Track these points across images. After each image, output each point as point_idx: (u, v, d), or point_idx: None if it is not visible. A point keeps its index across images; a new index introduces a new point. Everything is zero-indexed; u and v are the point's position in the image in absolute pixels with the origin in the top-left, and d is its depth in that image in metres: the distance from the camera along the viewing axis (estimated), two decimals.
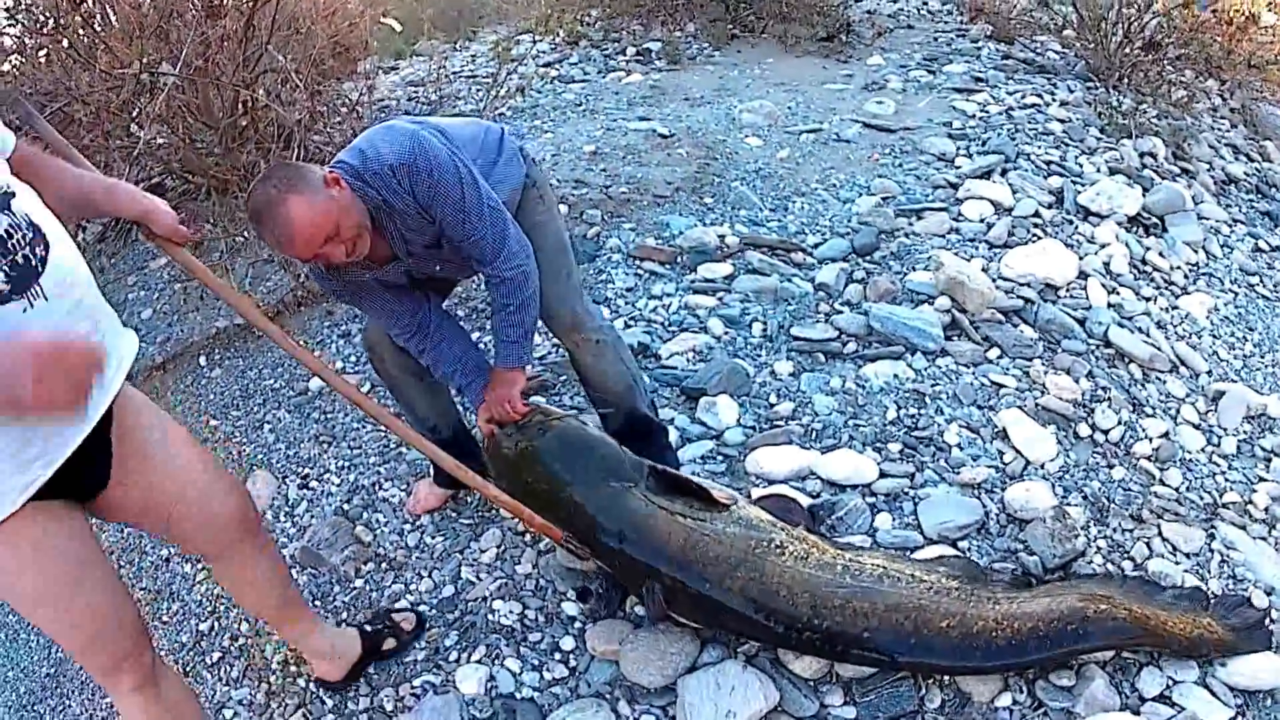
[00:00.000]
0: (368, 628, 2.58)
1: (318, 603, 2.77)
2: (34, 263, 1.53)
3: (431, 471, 2.92)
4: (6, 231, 1.50)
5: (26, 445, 1.58)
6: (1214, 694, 2.25)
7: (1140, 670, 2.28)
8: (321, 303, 4.09)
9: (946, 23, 7.81)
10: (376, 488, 3.09)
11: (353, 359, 3.74)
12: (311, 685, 2.53)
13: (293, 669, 2.60)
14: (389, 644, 2.56)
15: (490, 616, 2.56)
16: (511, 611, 2.56)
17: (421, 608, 2.65)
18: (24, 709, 2.91)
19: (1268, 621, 2.37)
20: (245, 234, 4.26)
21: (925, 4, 8.39)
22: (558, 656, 2.44)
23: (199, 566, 3.04)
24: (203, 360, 4.11)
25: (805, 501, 2.64)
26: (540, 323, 2.51)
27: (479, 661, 2.46)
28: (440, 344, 2.47)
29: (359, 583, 2.80)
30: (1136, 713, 2.19)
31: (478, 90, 6.26)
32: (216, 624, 2.87)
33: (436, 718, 2.32)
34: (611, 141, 5.12)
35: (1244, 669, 2.31)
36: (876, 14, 7.94)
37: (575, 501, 2.36)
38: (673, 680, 2.25)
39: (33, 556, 1.69)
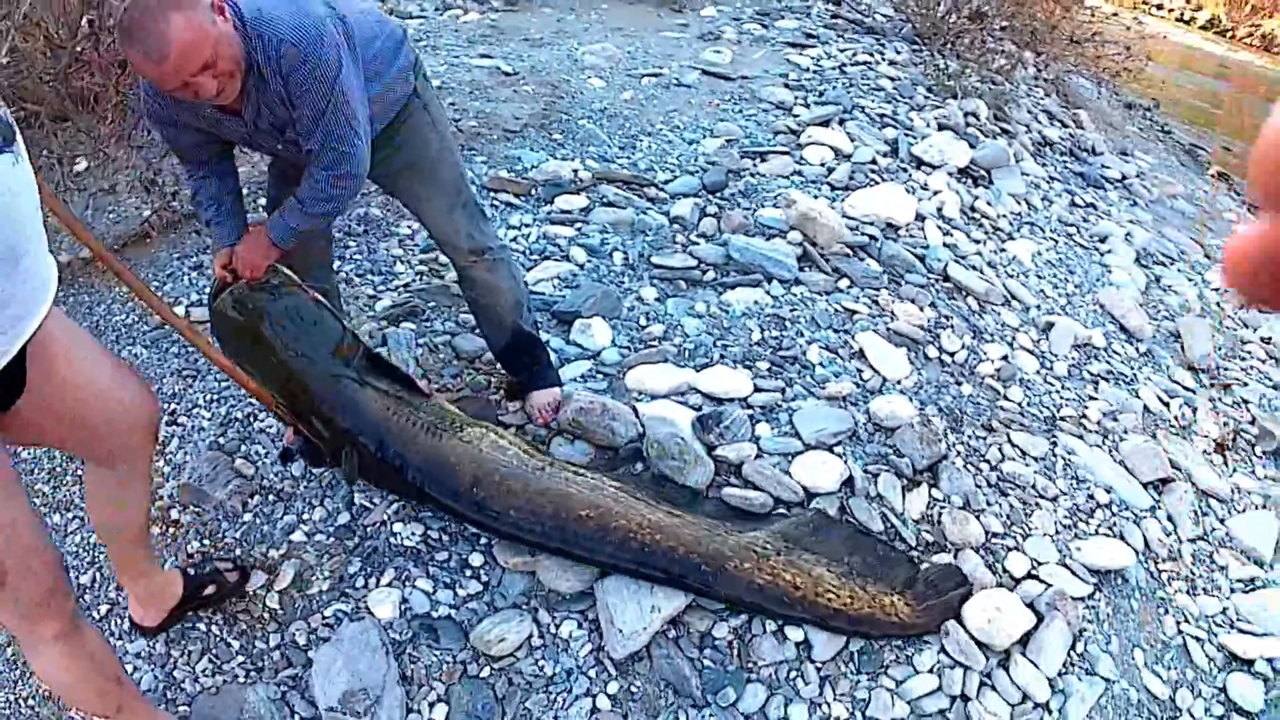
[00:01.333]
0: (190, 571, 2.60)
1: (207, 540, 2.77)
2: (10, 124, 1.56)
3: None
4: None
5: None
6: (1074, 574, 2.64)
7: (1008, 554, 2.65)
8: (170, 234, 4.05)
9: None
10: (252, 419, 3.08)
11: (207, 289, 3.75)
12: (214, 629, 2.55)
13: (188, 615, 2.58)
14: (209, 589, 2.57)
15: (392, 540, 2.65)
16: (414, 533, 2.65)
17: (318, 537, 2.69)
18: None
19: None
20: (82, 160, 4.18)
21: None
22: (468, 573, 2.56)
23: (70, 516, 2.92)
24: None
25: (690, 415, 2.89)
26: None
27: (389, 585, 2.55)
28: (213, 178, 2.48)
29: (247, 516, 2.80)
30: (1011, 589, 2.55)
31: None
32: (98, 574, 2.77)
33: (358, 644, 2.36)
34: (455, 77, 5.24)
35: (1097, 554, 2.73)
36: None
37: (292, 369, 2.51)
38: (589, 585, 2.44)
39: None
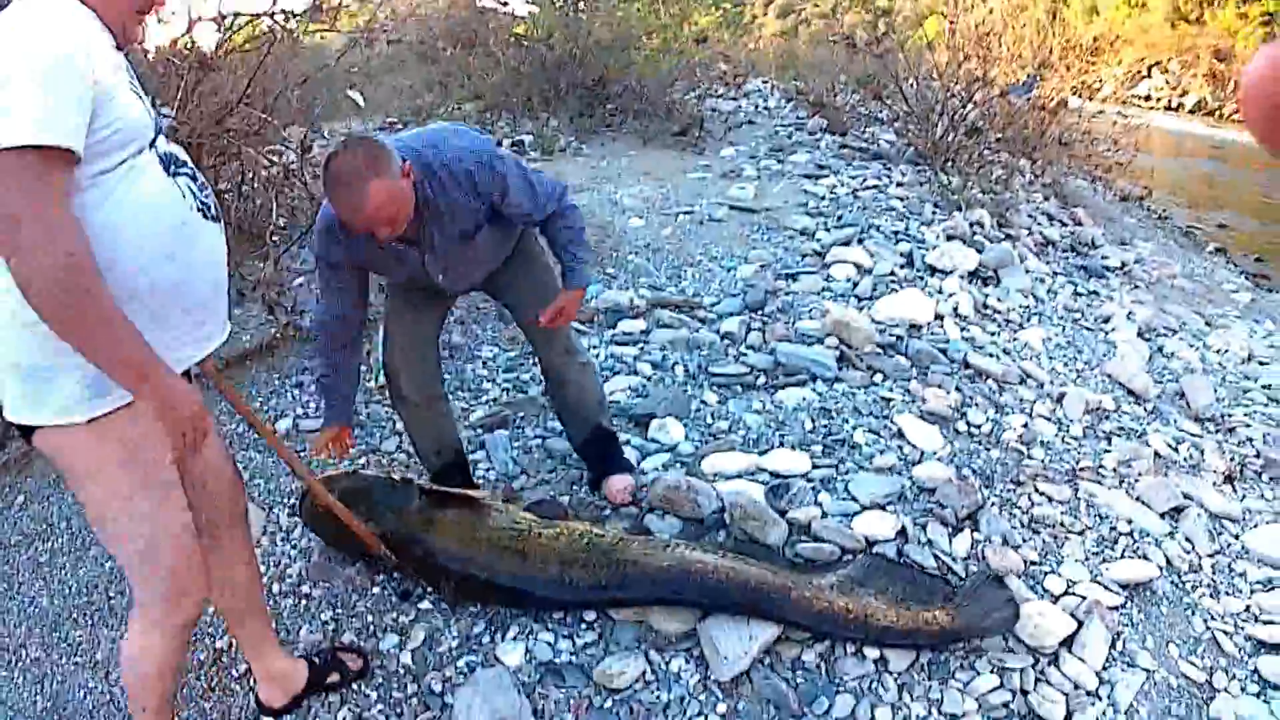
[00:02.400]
0: (315, 659, 2.90)
1: (339, 610, 3.22)
2: (218, 206, 2.20)
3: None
4: (202, 184, 2.16)
5: (199, 329, 2.10)
6: (1106, 588, 3.15)
7: (1045, 577, 3.17)
8: (273, 354, 4.67)
9: (784, 119, 9.05)
10: None
11: (311, 404, 4.35)
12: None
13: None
14: (333, 678, 2.88)
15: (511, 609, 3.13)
16: None
17: (443, 605, 3.16)
18: None
19: (1013, 602, 2.94)
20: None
21: (764, 103, 9.64)
22: (583, 626, 3.02)
23: None
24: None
25: (761, 488, 3.45)
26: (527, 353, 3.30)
27: (514, 639, 3.00)
28: (347, 353, 3.06)
29: (375, 590, 3.26)
30: (1054, 601, 3.06)
31: None
32: (232, 641, 3.13)
33: (492, 685, 2.71)
34: None
35: (1124, 571, 3.24)
36: (718, 111, 9.11)
37: (376, 525, 3.09)
38: (692, 626, 2.92)
39: (147, 447, 2.01)
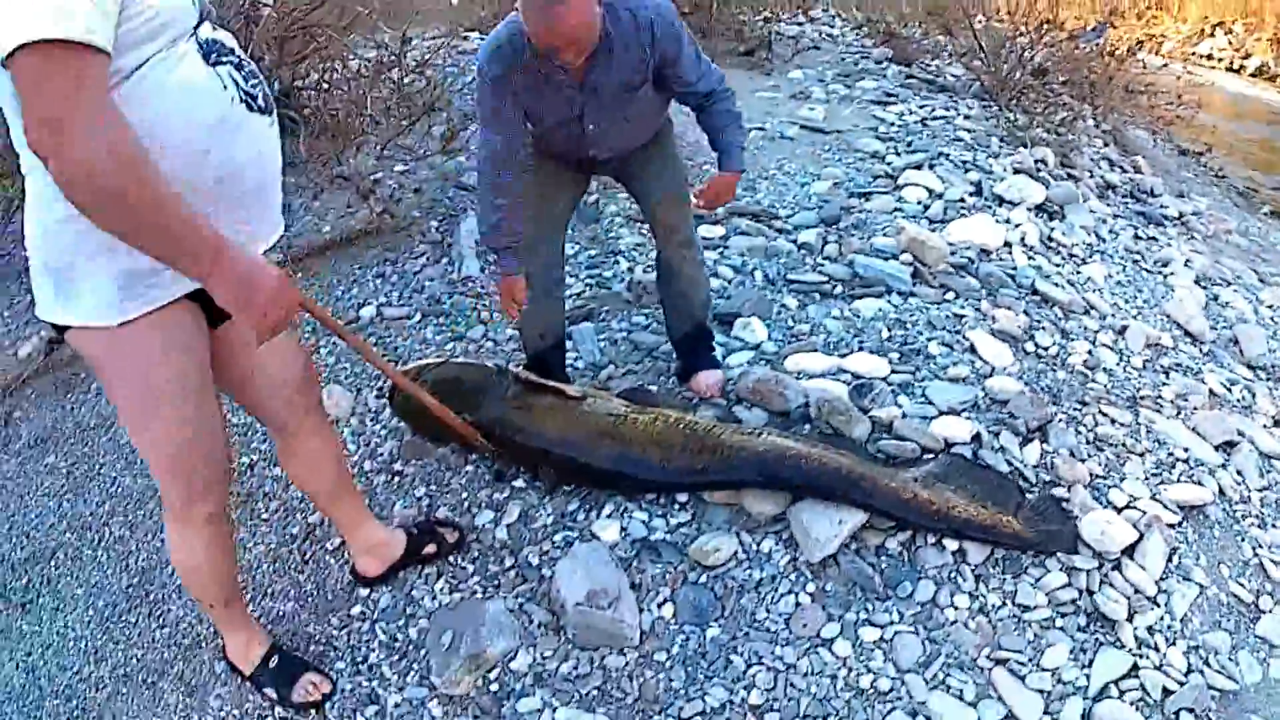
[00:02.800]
0: (412, 530, 3.06)
1: (433, 486, 3.39)
2: (270, 96, 2.16)
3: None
4: (250, 73, 2.04)
5: (244, 228, 2.01)
6: (1165, 506, 3.33)
7: (1109, 490, 3.34)
8: (354, 244, 4.82)
9: (850, 46, 9.09)
10: None
11: (394, 294, 4.53)
12: (448, 557, 3.09)
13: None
14: (429, 549, 3.03)
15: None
16: None
17: (537, 483, 3.32)
18: (108, 622, 3.08)
19: (1072, 529, 3.10)
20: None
21: (829, 29, 9.66)
22: (676, 506, 3.20)
23: None
24: None
25: (845, 387, 3.61)
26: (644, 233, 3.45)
27: (609, 516, 3.17)
28: (517, 185, 3.06)
29: (469, 468, 3.45)
30: (1118, 512, 3.24)
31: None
32: (325, 516, 3.22)
33: (592, 557, 2.91)
34: None
35: (1181, 493, 3.41)
36: (783, 35, 9.15)
37: (473, 415, 3.21)
38: (783, 510, 3.11)
39: (179, 347, 2.06)
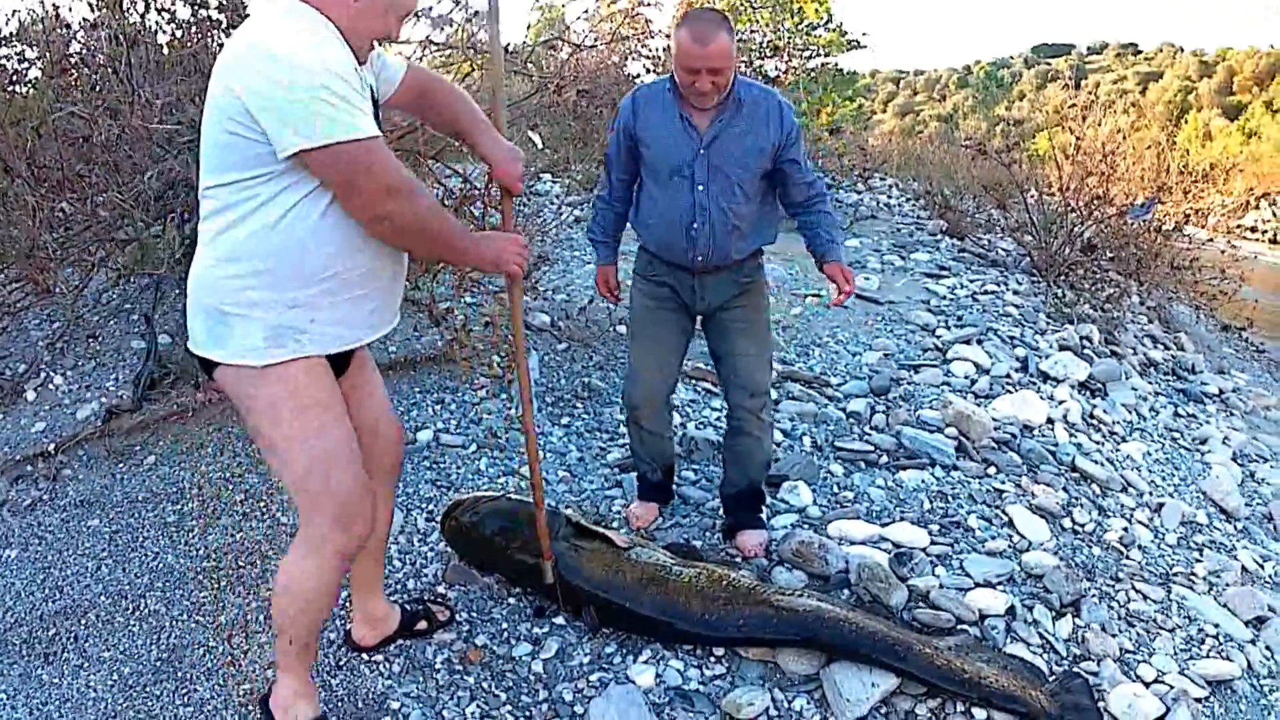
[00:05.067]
0: (406, 606, 3.26)
1: (474, 615, 3.46)
2: None
3: (637, 492, 4.02)
4: None
5: (373, 316, 2.51)
6: (1192, 680, 3.48)
7: (1138, 665, 3.50)
8: (410, 371, 5.09)
9: (905, 216, 9.48)
10: None
11: (452, 422, 4.76)
12: (482, 683, 3.12)
13: (456, 667, 3.17)
14: (421, 625, 3.22)
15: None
16: None
17: (577, 623, 3.43)
18: (131, 690, 3.07)
19: (1097, 704, 3.14)
20: None
21: (886, 199, 10.07)
22: (712, 659, 3.34)
23: None
24: None
25: (885, 556, 3.83)
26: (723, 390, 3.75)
27: (645, 662, 3.19)
28: (618, 206, 3.62)
29: (511, 600, 3.57)
30: (1146, 687, 3.39)
31: None
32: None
33: (625, 700, 2.95)
34: None
35: (1210, 668, 3.56)
36: (842, 203, 9.57)
37: (523, 552, 3.42)
38: (817, 670, 3.25)
39: (323, 386, 2.41)
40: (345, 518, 2.48)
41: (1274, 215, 12.58)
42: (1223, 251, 8.92)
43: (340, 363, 2.53)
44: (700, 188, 3.30)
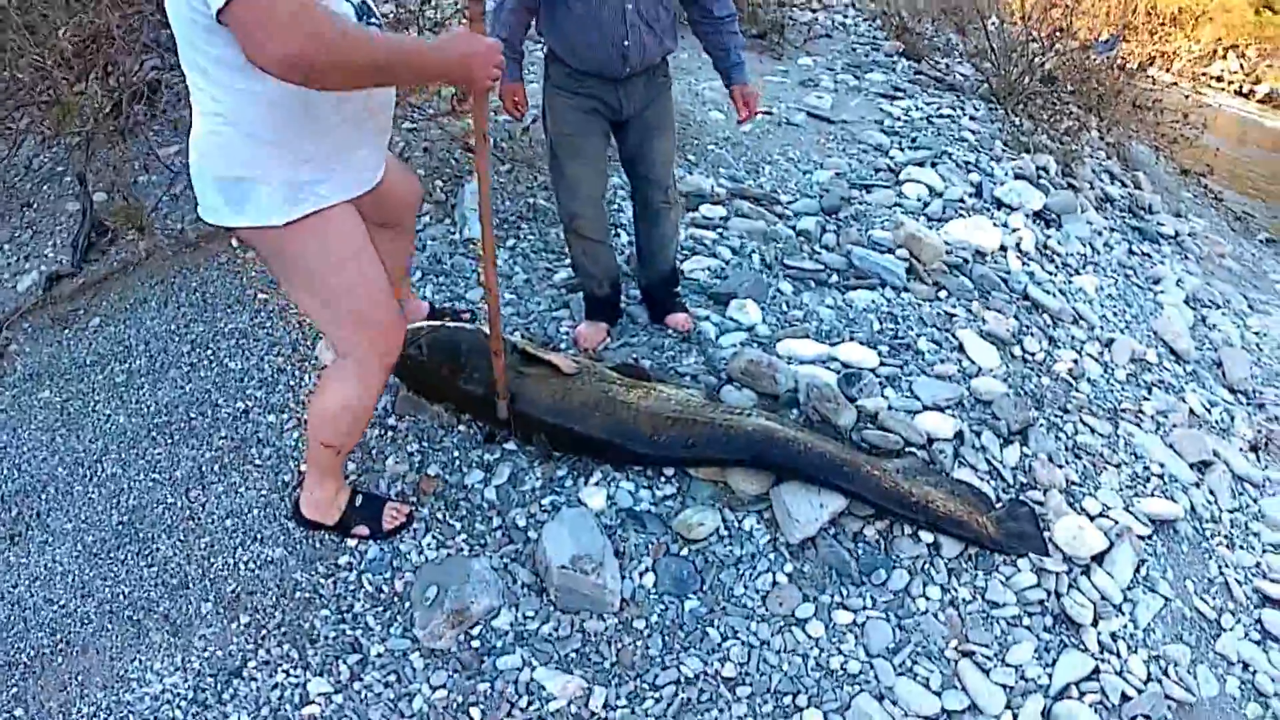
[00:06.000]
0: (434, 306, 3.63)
1: (425, 444, 3.34)
2: None
3: (585, 312, 3.90)
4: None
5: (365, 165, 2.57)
6: (1136, 518, 3.40)
7: (1084, 498, 3.41)
8: None
9: (861, 36, 9.10)
10: None
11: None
12: (436, 514, 3.14)
13: (410, 498, 3.19)
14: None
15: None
16: None
17: (529, 448, 3.35)
18: (96, 558, 3.07)
19: (1043, 533, 3.20)
20: None
21: (841, 18, 9.67)
22: (662, 479, 3.25)
23: (284, 416, 3.50)
24: (234, 243, 4.34)
25: (834, 376, 3.66)
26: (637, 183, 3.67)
27: (596, 484, 3.23)
28: (525, 21, 3.43)
29: (462, 428, 3.44)
30: (1091, 519, 3.30)
31: None
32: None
33: (578, 523, 2.95)
34: None
35: (1153, 506, 3.48)
36: (795, 21, 9.15)
37: (470, 381, 3.31)
38: (766, 490, 3.16)
39: (348, 227, 2.52)
40: (385, 347, 2.68)
41: (1240, 67, 12.36)
42: (1186, 97, 8.75)
43: None
44: (630, 5, 3.22)
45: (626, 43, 3.25)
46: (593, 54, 3.29)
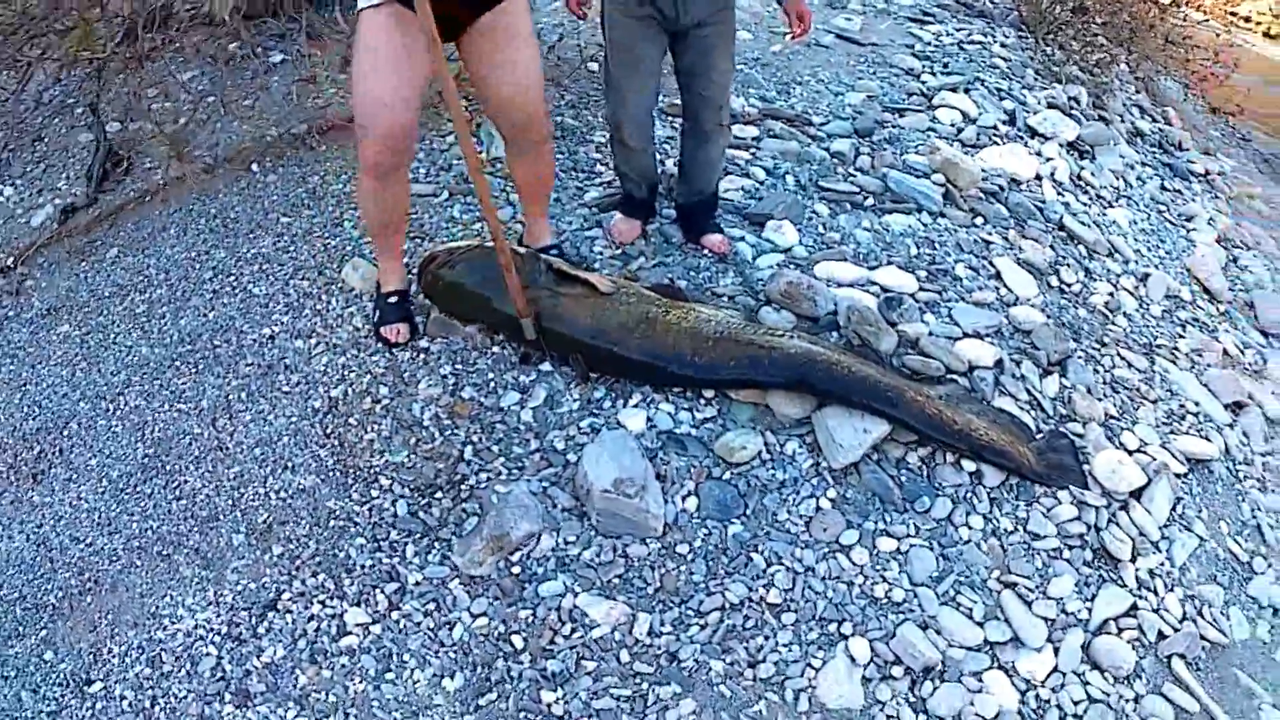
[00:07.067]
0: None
1: (459, 366, 3.28)
2: None
3: (621, 210, 3.87)
4: None
5: None
6: (1173, 455, 3.32)
7: (1122, 432, 3.33)
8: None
9: None
10: None
11: (421, 170, 4.36)
12: (472, 436, 3.09)
13: (445, 422, 3.13)
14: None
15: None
16: None
17: (564, 368, 3.26)
18: (122, 493, 3.06)
19: (1082, 465, 3.14)
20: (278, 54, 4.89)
21: None
22: (702, 401, 3.17)
23: (311, 341, 3.45)
24: (255, 167, 4.37)
25: (874, 299, 3.56)
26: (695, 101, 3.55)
27: (635, 406, 3.15)
28: None
29: (495, 349, 3.36)
30: (1130, 454, 3.23)
31: None
32: (348, 389, 3.26)
33: (619, 445, 2.88)
34: None
35: (1190, 445, 3.41)
36: None
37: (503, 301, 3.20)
38: (809, 413, 3.08)
39: (400, 30, 2.79)
40: (374, 148, 2.93)
41: (1269, 9, 12.07)
42: (1217, 35, 8.51)
43: (456, 22, 2.91)
44: None
45: None
46: None
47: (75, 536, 2.92)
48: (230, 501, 2.95)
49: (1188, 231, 5.39)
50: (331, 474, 3.01)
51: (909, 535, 2.87)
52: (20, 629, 2.73)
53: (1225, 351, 4.24)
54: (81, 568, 2.84)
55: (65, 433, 3.26)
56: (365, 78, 2.85)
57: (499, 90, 3.11)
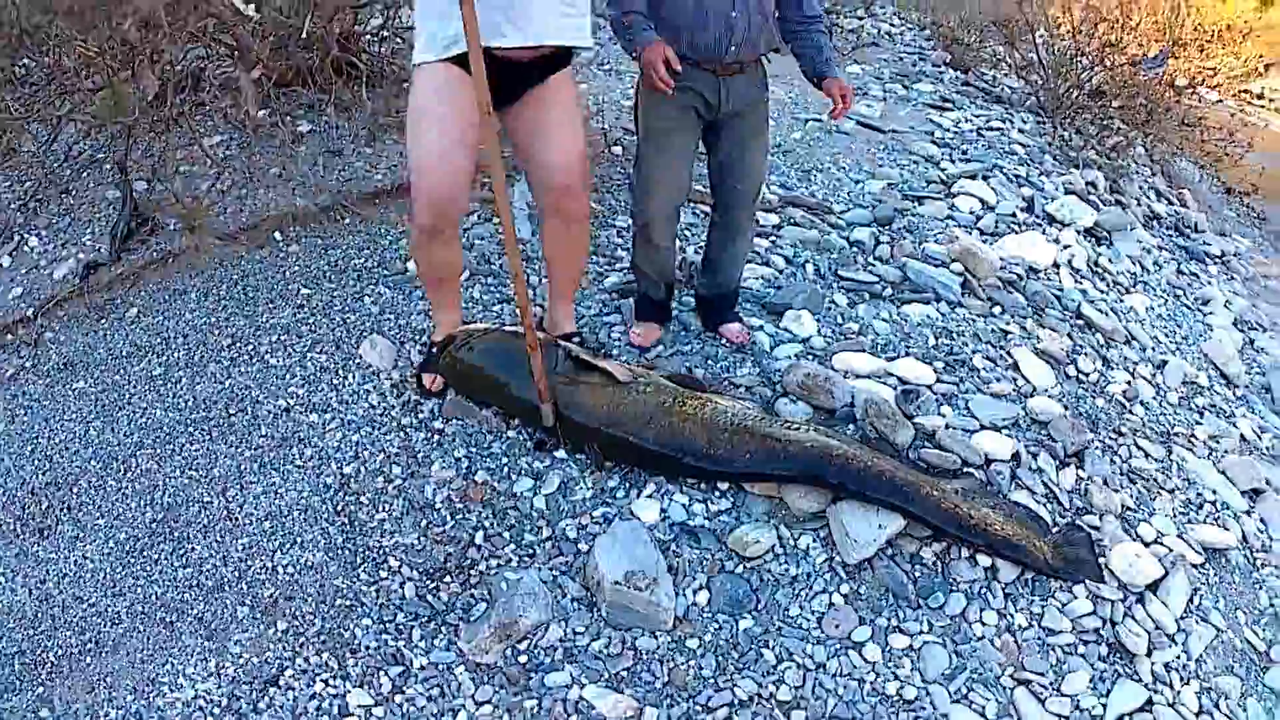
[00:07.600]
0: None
1: (473, 450, 3.34)
2: None
3: (636, 313, 3.91)
4: None
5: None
6: (1190, 545, 3.34)
7: (1139, 524, 3.36)
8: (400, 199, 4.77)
9: (908, 45, 9.02)
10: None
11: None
12: (484, 522, 3.11)
13: (457, 505, 3.16)
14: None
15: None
16: None
17: (579, 456, 3.30)
18: (128, 556, 3.04)
19: (1098, 559, 3.12)
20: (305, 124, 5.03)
21: (890, 26, 9.59)
22: (717, 494, 3.20)
23: (326, 415, 3.46)
24: (278, 235, 4.42)
25: (892, 392, 3.61)
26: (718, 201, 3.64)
27: (649, 496, 3.16)
28: None
29: (511, 433, 3.41)
30: (1147, 545, 3.25)
31: None
32: (361, 467, 3.27)
33: (631, 537, 2.91)
34: None
35: (1207, 534, 3.43)
36: (841, 28, 9.08)
37: (521, 386, 3.26)
38: (824, 508, 3.11)
39: (449, 90, 2.90)
40: (426, 207, 3.01)
41: None
42: (1232, 114, 8.61)
43: (507, 91, 3.00)
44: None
45: (734, 14, 3.19)
46: (698, 30, 3.22)
47: (79, 595, 2.92)
48: (237, 573, 2.95)
49: (1204, 315, 5.44)
50: (340, 552, 3.02)
51: (922, 631, 2.88)
52: (18, 683, 2.71)
53: (1242, 437, 4.26)
54: (83, 627, 2.83)
55: (75, 490, 3.25)
56: (418, 141, 2.95)
57: (543, 157, 3.15)
